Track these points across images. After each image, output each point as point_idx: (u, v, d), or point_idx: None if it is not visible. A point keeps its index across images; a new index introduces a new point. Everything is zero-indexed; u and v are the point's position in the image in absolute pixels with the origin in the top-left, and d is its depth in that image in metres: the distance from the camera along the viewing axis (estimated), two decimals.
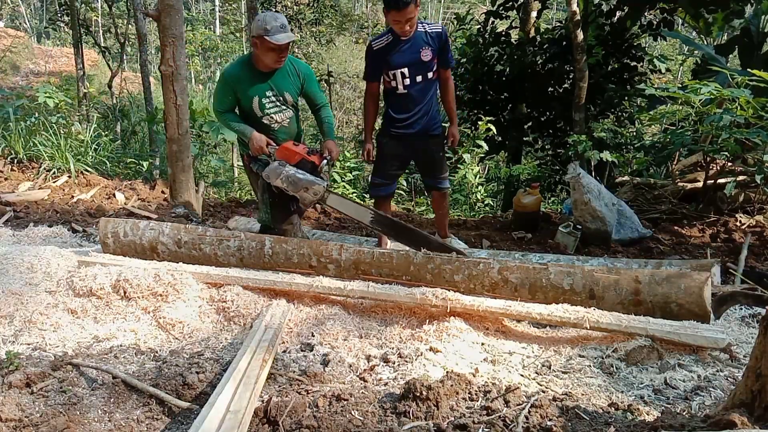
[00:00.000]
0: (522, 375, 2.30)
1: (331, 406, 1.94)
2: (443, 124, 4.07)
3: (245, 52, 18.87)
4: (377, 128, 4.42)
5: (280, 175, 3.33)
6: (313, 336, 2.64)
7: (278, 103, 3.50)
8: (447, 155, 4.49)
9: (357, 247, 3.08)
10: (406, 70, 3.67)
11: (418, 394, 1.92)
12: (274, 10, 12.38)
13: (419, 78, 3.70)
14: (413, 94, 3.74)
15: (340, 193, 3.52)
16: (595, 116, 7.01)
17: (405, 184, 8.77)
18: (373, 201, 4.31)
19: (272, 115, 3.50)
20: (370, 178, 4.09)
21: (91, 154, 6.82)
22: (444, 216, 4.22)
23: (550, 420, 1.80)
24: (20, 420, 1.87)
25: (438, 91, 3.95)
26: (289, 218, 3.60)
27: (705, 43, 7.83)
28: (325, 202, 3.46)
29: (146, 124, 8.61)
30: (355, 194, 8.16)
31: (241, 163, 10.36)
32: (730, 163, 5.07)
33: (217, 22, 25.68)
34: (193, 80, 21.57)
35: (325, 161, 3.43)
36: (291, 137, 3.59)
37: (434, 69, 3.74)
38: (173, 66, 4.85)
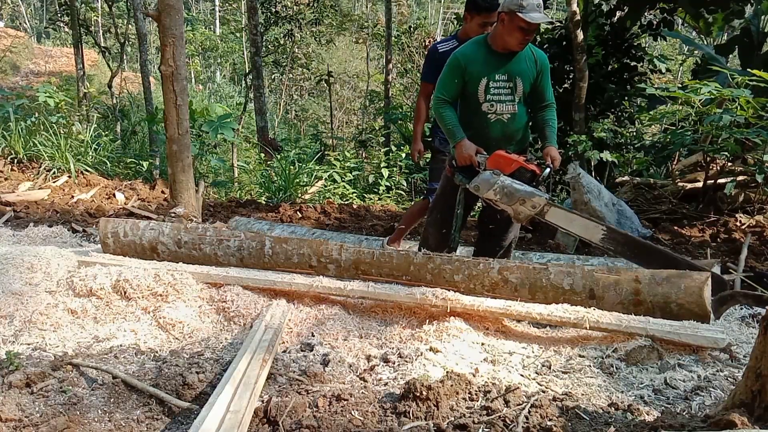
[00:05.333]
0: (522, 375, 2.30)
1: (331, 406, 1.94)
2: None
3: (245, 52, 18.92)
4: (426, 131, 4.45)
5: (494, 186, 2.89)
6: (313, 336, 2.64)
7: (507, 90, 3.06)
8: None
9: (357, 247, 3.08)
10: None
11: (418, 394, 1.92)
12: (274, 9, 12.36)
13: None
14: None
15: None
16: (595, 116, 7.00)
17: (405, 184, 8.77)
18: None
19: (494, 103, 3.05)
20: (428, 185, 4.00)
21: (91, 154, 6.82)
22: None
23: (550, 420, 1.80)
24: (20, 420, 1.87)
25: None
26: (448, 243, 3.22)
27: (705, 43, 7.83)
28: (544, 216, 2.99)
29: (146, 124, 8.62)
30: (355, 194, 8.17)
31: (241, 163, 10.40)
32: (730, 163, 5.07)
33: (217, 22, 25.69)
34: (193, 80, 21.58)
35: (547, 170, 2.99)
36: (505, 139, 3.12)
37: None
38: (173, 66, 4.85)
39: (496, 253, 3.25)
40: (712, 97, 4.30)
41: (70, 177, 6.19)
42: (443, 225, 3.29)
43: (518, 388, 2.02)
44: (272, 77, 19.22)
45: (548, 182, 3.49)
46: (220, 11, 25.71)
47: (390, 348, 2.54)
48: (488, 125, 3.10)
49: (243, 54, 20.44)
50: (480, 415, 1.85)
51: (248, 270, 3.14)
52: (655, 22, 6.96)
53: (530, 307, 2.63)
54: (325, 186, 8.09)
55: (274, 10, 12.43)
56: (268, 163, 8.78)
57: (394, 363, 2.38)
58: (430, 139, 4.20)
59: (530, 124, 3.27)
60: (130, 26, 11.35)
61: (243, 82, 18.64)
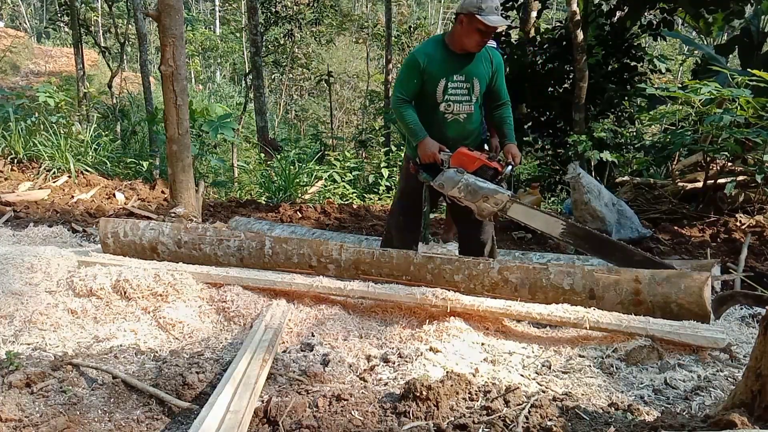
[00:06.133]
0: (522, 375, 2.30)
1: (331, 406, 1.94)
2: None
3: (245, 52, 18.94)
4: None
5: (458, 184, 2.95)
6: (313, 336, 2.64)
7: (464, 91, 3.10)
8: None
9: (357, 247, 3.08)
10: None
11: (418, 394, 1.92)
12: (274, 9, 12.35)
13: None
14: None
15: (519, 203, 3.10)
16: (595, 116, 7.01)
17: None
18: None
19: (452, 103, 3.09)
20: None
21: (91, 154, 6.82)
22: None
23: (550, 420, 1.80)
24: (20, 420, 1.87)
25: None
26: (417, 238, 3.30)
27: (705, 43, 7.83)
28: (507, 213, 3.05)
29: (146, 124, 8.61)
30: (355, 194, 8.17)
31: (241, 163, 10.39)
32: (730, 163, 5.07)
33: (217, 22, 25.69)
34: (193, 80, 21.57)
35: (509, 167, 3.07)
36: (462, 138, 3.17)
37: None
38: (173, 66, 4.84)
39: (482, 250, 3.27)
40: (712, 97, 4.30)
41: (70, 177, 6.19)
42: (408, 226, 3.32)
43: (518, 388, 2.02)
44: (272, 77, 19.22)
45: (510, 178, 3.60)
46: (220, 11, 25.72)
47: (390, 348, 2.54)
48: (445, 125, 3.13)
49: (243, 54, 20.44)
50: (480, 415, 1.85)
51: (248, 270, 3.14)
52: (655, 22, 6.96)
53: (530, 307, 2.63)
54: (325, 186, 8.09)
55: (274, 10, 12.42)
56: (268, 163, 8.78)
57: (394, 363, 2.38)
58: None
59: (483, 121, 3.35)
60: (130, 26, 11.34)
61: (243, 82, 18.65)
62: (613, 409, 1.95)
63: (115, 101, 9.53)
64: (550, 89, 7.45)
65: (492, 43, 3.83)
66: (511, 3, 7.68)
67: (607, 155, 5.57)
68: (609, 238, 3.26)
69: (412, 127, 3.08)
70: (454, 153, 3.04)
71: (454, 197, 3.01)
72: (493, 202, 2.96)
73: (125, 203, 5.65)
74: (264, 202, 6.72)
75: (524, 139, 7.86)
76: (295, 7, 13.60)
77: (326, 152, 10.21)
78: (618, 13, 7.06)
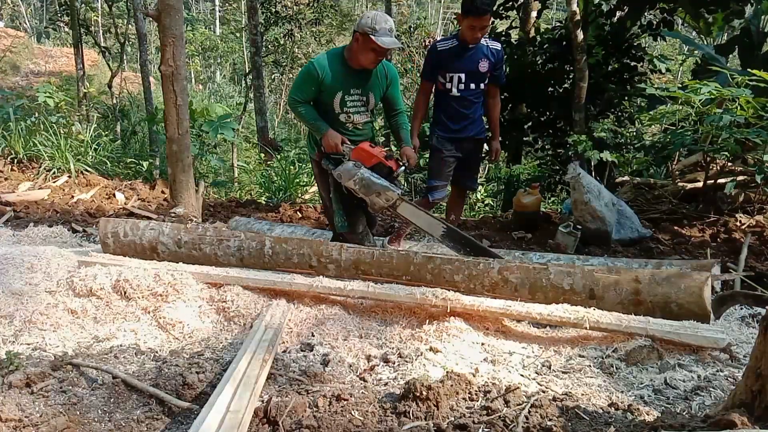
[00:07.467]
0: (522, 375, 2.30)
1: (331, 406, 1.94)
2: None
3: (245, 52, 18.95)
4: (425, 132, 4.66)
5: (354, 177, 3.18)
6: (313, 336, 2.64)
7: (361, 104, 3.41)
8: None
9: (357, 247, 3.08)
10: (462, 76, 3.85)
11: (418, 394, 1.92)
12: (274, 9, 12.34)
13: (473, 86, 3.89)
14: (465, 100, 3.92)
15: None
16: (595, 116, 7.00)
17: (405, 184, 8.77)
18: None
19: (351, 114, 3.40)
20: (428, 183, 4.14)
21: (91, 154, 6.82)
22: (460, 215, 4.52)
23: (550, 420, 1.80)
24: (20, 420, 1.87)
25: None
26: (360, 220, 3.51)
27: (705, 43, 7.83)
28: (396, 209, 3.32)
29: (146, 124, 8.61)
30: None
31: (241, 163, 10.39)
32: (730, 163, 5.07)
33: (217, 22, 25.70)
34: (193, 80, 21.57)
35: (402, 167, 3.32)
36: (361, 141, 3.44)
37: (486, 81, 3.94)
38: (173, 66, 4.84)
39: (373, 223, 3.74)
40: (712, 97, 4.30)
41: (70, 177, 6.19)
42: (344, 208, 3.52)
43: (518, 388, 2.02)
44: (272, 77, 19.21)
45: (405, 177, 3.99)
46: (220, 11, 25.72)
47: (390, 348, 2.54)
48: (345, 131, 3.41)
49: (243, 54, 20.42)
50: (480, 415, 1.85)
51: (248, 270, 3.14)
52: (655, 22, 6.95)
53: (530, 307, 2.63)
54: None
55: (274, 10, 12.40)
56: (268, 163, 8.78)
57: (394, 363, 2.38)
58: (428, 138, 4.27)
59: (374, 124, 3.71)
60: (130, 26, 11.34)
61: (243, 82, 18.64)
62: (613, 409, 1.95)
63: (115, 101, 9.52)
64: (550, 89, 7.44)
65: (497, 45, 3.88)
66: (511, 3, 7.67)
67: (607, 155, 5.56)
68: (485, 247, 3.47)
69: (313, 123, 3.34)
70: (355, 147, 3.29)
71: (350, 189, 3.24)
72: (385, 198, 3.22)
73: (125, 203, 5.65)
74: (264, 202, 6.72)
75: (524, 139, 7.86)
76: (295, 7, 13.59)
77: None
78: (618, 13, 7.05)
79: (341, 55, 3.30)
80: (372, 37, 3.10)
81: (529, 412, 1.83)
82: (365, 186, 3.19)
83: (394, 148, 5.58)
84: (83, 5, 11.06)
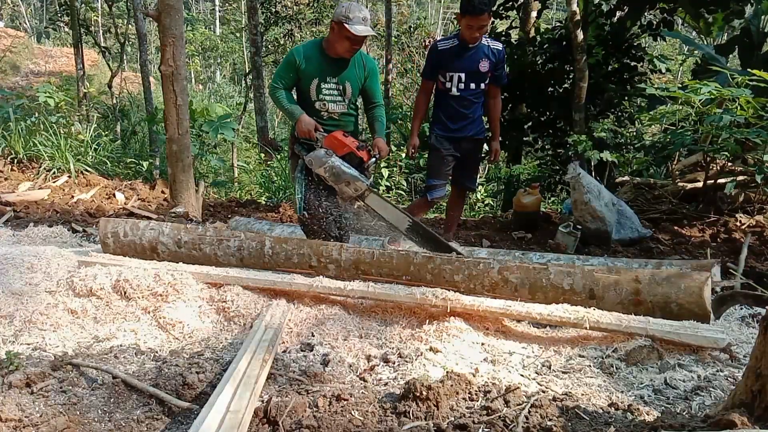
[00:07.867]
0: (522, 375, 2.30)
1: (331, 406, 1.94)
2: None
3: (245, 52, 18.94)
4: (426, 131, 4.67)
5: (324, 164, 3.23)
6: (313, 336, 2.64)
7: (337, 92, 3.44)
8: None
9: (357, 247, 3.08)
10: (463, 75, 3.86)
11: (418, 394, 1.92)
12: (274, 9, 12.35)
13: (473, 86, 3.91)
14: (465, 100, 3.93)
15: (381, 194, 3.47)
16: (595, 116, 7.00)
17: (405, 184, 8.77)
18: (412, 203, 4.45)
19: (326, 103, 3.44)
20: (427, 182, 4.16)
21: (91, 154, 6.83)
22: (459, 215, 4.55)
23: (550, 420, 1.80)
24: (20, 420, 1.87)
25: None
26: (321, 208, 3.51)
27: (705, 43, 7.82)
28: (364, 200, 3.38)
29: (146, 124, 8.61)
30: None
31: (241, 163, 10.40)
32: (730, 163, 5.07)
33: (217, 22, 25.70)
34: (193, 80, 21.58)
35: (373, 159, 3.35)
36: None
37: (487, 81, 3.95)
38: (173, 66, 4.85)
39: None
40: (712, 97, 4.30)
41: (70, 177, 6.19)
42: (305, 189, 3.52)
43: (518, 388, 2.02)
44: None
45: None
46: (220, 11, 25.73)
47: (390, 348, 2.54)
48: (322, 121, 3.45)
49: (243, 54, 20.43)
50: (480, 415, 1.85)
51: (248, 270, 3.14)
52: (655, 22, 6.95)
53: (530, 307, 2.63)
54: None
55: (274, 10, 12.41)
56: (268, 163, 8.78)
57: (394, 363, 2.38)
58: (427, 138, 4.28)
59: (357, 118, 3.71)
60: (130, 26, 11.34)
61: (243, 82, 18.63)
62: (613, 409, 1.95)
63: (115, 101, 9.53)
64: (550, 89, 7.44)
65: (498, 45, 3.89)
66: (511, 3, 7.67)
67: (607, 155, 5.57)
68: (443, 240, 3.51)
69: (287, 108, 3.41)
70: (328, 135, 3.32)
71: (320, 176, 3.28)
72: (353, 188, 3.27)
73: (125, 203, 5.65)
74: (264, 202, 6.72)
75: (524, 139, 7.86)
76: (295, 7, 13.60)
77: None
78: (618, 13, 7.05)
79: (320, 45, 3.40)
80: (346, 25, 3.18)
81: (529, 412, 1.83)
82: (335, 174, 3.23)
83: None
84: (83, 5, 11.06)
